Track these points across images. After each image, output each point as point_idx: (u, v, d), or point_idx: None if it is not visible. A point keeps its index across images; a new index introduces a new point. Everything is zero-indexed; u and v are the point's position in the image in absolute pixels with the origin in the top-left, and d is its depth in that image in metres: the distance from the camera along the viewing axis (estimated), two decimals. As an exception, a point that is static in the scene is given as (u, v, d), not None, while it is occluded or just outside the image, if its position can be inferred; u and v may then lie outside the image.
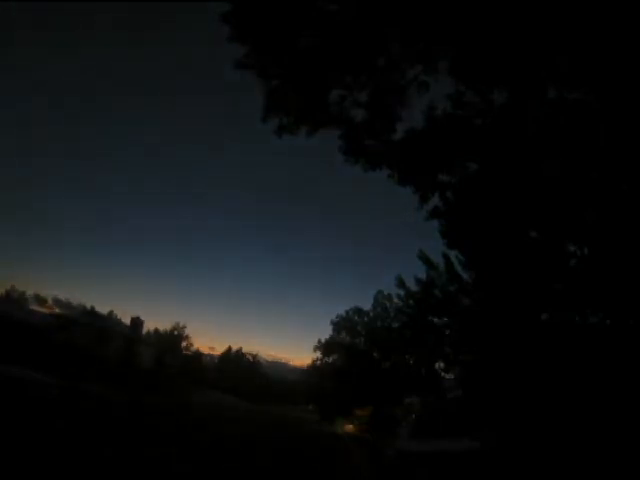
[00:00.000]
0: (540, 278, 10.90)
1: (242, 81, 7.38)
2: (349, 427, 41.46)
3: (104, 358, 32.90)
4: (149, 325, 60.77)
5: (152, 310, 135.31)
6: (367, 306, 43.53)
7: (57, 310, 47.48)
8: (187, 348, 63.52)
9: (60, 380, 21.18)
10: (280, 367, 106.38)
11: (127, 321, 48.12)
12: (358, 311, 44.72)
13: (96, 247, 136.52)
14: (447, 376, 26.83)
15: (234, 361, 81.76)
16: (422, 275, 20.96)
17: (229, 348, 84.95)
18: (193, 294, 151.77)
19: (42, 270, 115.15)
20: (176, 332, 62.54)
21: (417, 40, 6.90)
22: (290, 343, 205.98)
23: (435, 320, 22.10)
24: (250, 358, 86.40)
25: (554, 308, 11.78)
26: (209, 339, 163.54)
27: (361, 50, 6.97)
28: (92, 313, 45.30)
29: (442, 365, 27.38)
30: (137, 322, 45.49)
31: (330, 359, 48.84)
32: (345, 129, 8.20)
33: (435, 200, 9.85)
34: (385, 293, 40.71)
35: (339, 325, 46.40)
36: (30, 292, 58.18)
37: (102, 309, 49.08)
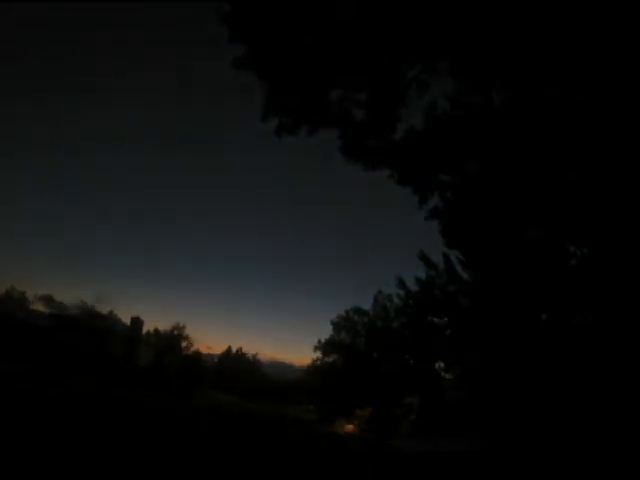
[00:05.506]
0: (540, 278, 10.89)
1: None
2: (349, 427, 41.37)
3: (104, 358, 32.88)
4: (149, 325, 60.64)
5: (152, 310, 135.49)
6: (367, 306, 43.57)
7: (57, 310, 47.31)
8: (187, 348, 63.48)
9: (60, 379, 21.18)
10: (280, 367, 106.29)
11: (127, 321, 48.11)
12: (358, 311, 44.68)
13: (96, 247, 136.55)
14: (447, 376, 26.86)
15: (234, 361, 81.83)
16: (422, 275, 21.00)
17: (229, 348, 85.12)
18: (193, 294, 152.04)
19: (42, 270, 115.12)
20: (176, 332, 62.45)
21: (417, 40, 6.90)
22: (290, 343, 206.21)
23: (435, 320, 22.15)
24: (250, 358, 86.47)
25: (554, 308, 11.78)
26: (209, 339, 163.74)
27: (361, 50, 6.97)
28: (92, 313, 45.26)
29: (442, 365, 27.45)
30: (137, 322, 45.48)
31: (330, 359, 48.80)
32: (345, 129, 8.20)
33: (435, 200, 9.87)
34: (385, 293, 40.77)
35: (339, 325, 46.35)
36: (30, 292, 57.92)
37: (102, 309, 48.96)
